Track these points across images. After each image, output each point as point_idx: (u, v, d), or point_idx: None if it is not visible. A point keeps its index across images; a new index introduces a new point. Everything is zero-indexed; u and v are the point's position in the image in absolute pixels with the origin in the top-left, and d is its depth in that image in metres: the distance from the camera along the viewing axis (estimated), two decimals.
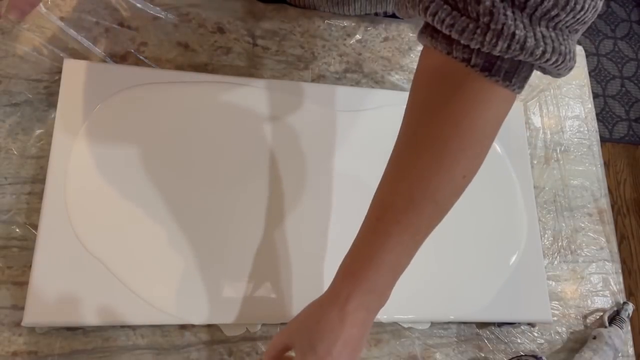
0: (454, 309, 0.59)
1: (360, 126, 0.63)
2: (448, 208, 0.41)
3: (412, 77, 0.69)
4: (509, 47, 0.34)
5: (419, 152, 0.39)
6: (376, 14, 0.71)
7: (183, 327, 0.53)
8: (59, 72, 0.56)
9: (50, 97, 0.56)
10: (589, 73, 0.78)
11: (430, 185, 0.39)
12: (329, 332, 0.40)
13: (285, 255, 0.56)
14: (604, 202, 0.71)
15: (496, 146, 0.67)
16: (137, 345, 0.52)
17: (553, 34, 0.35)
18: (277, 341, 0.44)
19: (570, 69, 0.37)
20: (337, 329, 0.40)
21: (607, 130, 1.88)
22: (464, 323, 0.60)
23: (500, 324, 0.61)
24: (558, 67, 0.36)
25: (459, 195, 0.41)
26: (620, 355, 0.63)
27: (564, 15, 0.34)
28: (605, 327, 0.63)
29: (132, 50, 0.60)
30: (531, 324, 0.62)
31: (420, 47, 0.71)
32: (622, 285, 0.68)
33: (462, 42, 0.35)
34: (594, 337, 0.61)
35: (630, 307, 0.65)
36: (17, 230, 0.52)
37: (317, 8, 0.67)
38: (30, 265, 0.49)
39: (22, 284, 0.50)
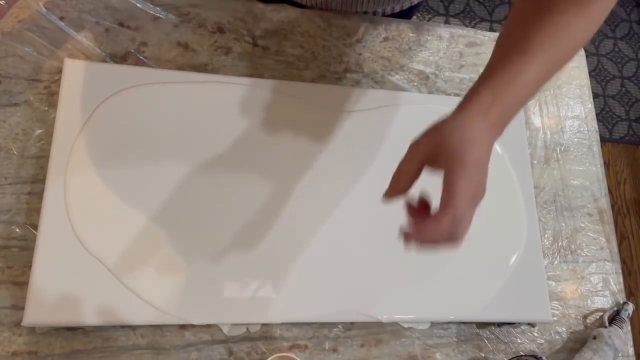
0: (454, 309, 0.59)
1: (360, 126, 0.63)
2: (579, 48, 0.44)
3: (412, 77, 0.69)
4: None
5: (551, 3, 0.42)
6: (383, 13, 0.71)
7: (183, 327, 0.53)
8: (59, 72, 0.56)
9: (50, 97, 0.56)
10: (589, 73, 0.78)
11: (570, 22, 0.42)
12: (475, 142, 0.38)
13: (285, 256, 0.56)
14: (604, 202, 0.71)
15: (496, 146, 0.67)
16: (137, 345, 0.52)
17: None
18: (413, 158, 0.40)
19: None
20: (483, 137, 0.38)
21: (607, 130, 1.88)
22: (464, 323, 0.60)
23: (500, 324, 0.61)
24: None
25: (586, 42, 0.44)
26: (620, 355, 0.63)
27: None
28: (605, 327, 0.63)
29: (132, 50, 0.60)
30: (531, 324, 0.62)
31: (419, 47, 0.71)
32: (622, 285, 0.68)
33: None
34: (594, 337, 0.61)
35: (630, 307, 0.65)
36: (17, 230, 0.52)
37: (328, 6, 0.67)
38: (30, 265, 0.49)
39: (22, 284, 0.50)
